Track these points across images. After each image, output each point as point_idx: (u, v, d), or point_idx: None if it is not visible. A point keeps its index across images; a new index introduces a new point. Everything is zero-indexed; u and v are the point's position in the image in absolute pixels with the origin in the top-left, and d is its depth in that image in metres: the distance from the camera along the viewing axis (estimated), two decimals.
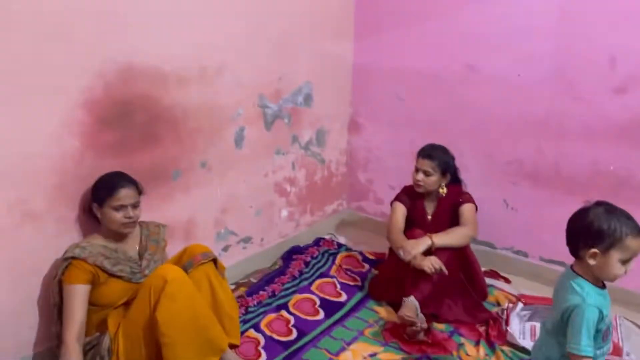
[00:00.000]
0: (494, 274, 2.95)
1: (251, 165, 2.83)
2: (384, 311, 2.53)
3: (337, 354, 2.18)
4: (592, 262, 1.46)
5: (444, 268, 2.32)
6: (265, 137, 2.88)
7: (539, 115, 2.76)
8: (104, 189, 1.96)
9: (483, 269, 2.91)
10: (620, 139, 2.56)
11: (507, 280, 2.90)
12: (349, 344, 2.26)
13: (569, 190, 2.74)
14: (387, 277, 2.62)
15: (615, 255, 1.43)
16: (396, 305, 2.42)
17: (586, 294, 1.45)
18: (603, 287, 1.51)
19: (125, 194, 1.96)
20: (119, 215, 1.96)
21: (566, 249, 1.62)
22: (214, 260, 2.10)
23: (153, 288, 1.83)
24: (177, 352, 1.80)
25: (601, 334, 1.48)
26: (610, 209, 1.47)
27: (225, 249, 2.78)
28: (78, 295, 1.88)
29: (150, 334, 1.82)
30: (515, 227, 2.99)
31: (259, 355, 2.12)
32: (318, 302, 2.57)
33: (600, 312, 1.44)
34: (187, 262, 2.05)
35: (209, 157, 2.59)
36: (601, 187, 2.64)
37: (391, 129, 3.32)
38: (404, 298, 2.34)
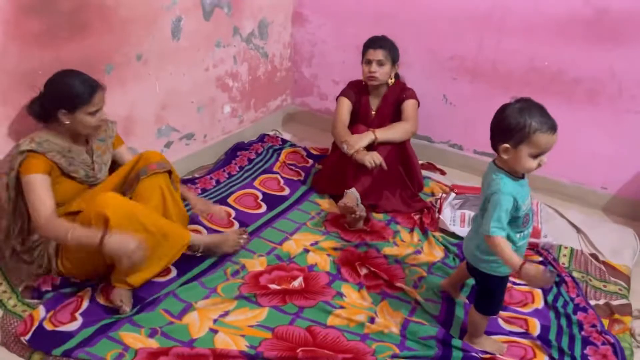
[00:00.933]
0: (431, 167, 3.10)
1: (190, 59, 2.72)
2: (326, 203, 2.64)
3: (280, 244, 2.29)
4: (505, 156, 1.54)
5: (383, 163, 2.42)
6: (204, 27, 2.74)
7: (483, 10, 2.75)
8: (78, 97, 1.85)
9: (421, 161, 3.05)
10: (557, 35, 2.61)
11: (442, 172, 3.06)
12: (291, 234, 2.37)
13: (505, 86, 2.83)
14: (330, 171, 2.70)
15: (524, 150, 1.50)
16: (338, 198, 2.51)
17: (503, 184, 1.55)
18: (522, 177, 1.61)
19: (99, 99, 1.90)
20: (94, 120, 1.90)
21: None
22: (169, 172, 2.08)
23: (95, 222, 1.80)
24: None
25: (521, 220, 1.60)
26: (525, 106, 1.51)
27: (168, 145, 2.75)
28: (43, 183, 1.84)
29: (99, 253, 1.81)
30: (453, 121, 3.09)
31: (199, 247, 2.20)
32: (260, 196, 2.64)
33: (515, 200, 1.54)
34: (141, 168, 2.02)
35: (145, 50, 2.46)
36: (535, 82, 2.74)
37: (336, 21, 3.24)
38: (345, 190, 2.44)
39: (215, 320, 1.85)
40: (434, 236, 2.42)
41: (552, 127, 1.50)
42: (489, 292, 1.75)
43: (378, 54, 2.52)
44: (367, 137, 2.48)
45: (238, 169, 2.88)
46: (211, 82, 2.91)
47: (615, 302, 2.07)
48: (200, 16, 2.70)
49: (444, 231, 2.46)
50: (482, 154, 3.02)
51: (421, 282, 2.12)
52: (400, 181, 2.65)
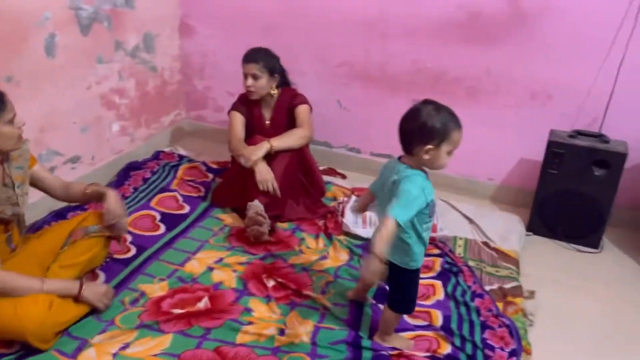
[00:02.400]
0: (332, 172, 3.14)
1: (69, 77, 2.55)
2: (229, 218, 2.58)
3: (182, 265, 2.20)
4: (426, 157, 1.58)
5: (277, 191, 2.42)
6: (82, 43, 2.58)
7: (369, 17, 2.85)
8: None
9: (321, 167, 3.09)
10: (436, 38, 2.76)
11: (343, 176, 3.11)
12: (194, 253, 2.28)
13: (394, 89, 2.95)
14: (231, 185, 2.65)
15: (444, 149, 1.57)
16: (241, 211, 2.48)
17: (415, 176, 1.59)
18: (425, 173, 1.66)
19: (10, 102, 1.70)
20: (15, 129, 1.71)
21: (393, 143, 1.72)
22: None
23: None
24: None
25: (428, 211, 1.66)
26: (438, 107, 1.58)
27: (51, 170, 2.54)
28: None
29: None
30: (349, 126, 3.16)
31: (96, 276, 2.05)
32: (158, 217, 2.52)
33: (424, 192, 1.58)
34: (90, 226, 1.97)
35: (15, 71, 2.26)
36: (421, 83, 2.88)
37: (225, 32, 3.19)
38: (248, 203, 2.40)
39: (114, 355, 1.73)
40: (338, 240, 2.44)
41: (460, 123, 1.58)
42: (402, 287, 1.78)
43: (251, 68, 2.51)
44: (263, 148, 2.46)
45: (132, 190, 2.73)
46: (95, 101, 2.74)
47: (507, 286, 2.21)
48: (77, 32, 2.53)
49: (348, 234, 2.50)
50: (379, 156, 3.11)
51: (329, 288, 2.13)
52: (303, 189, 2.66)
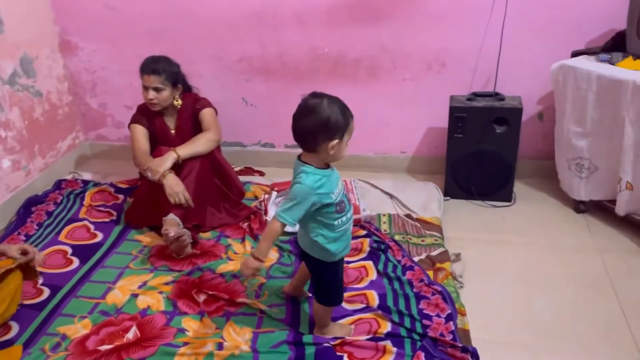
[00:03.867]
0: (249, 171, 3.08)
1: None
2: (147, 238, 2.46)
3: (102, 297, 2.06)
4: (332, 152, 1.55)
5: (189, 201, 2.32)
6: None
7: (256, 10, 2.79)
8: None
9: (238, 167, 3.02)
10: (327, 22, 2.76)
11: (261, 174, 3.06)
12: (114, 282, 2.15)
13: (297, 78, 2.92)
14: (143, 202, 2.52)
15: (345, 139, 1.56)
16: (158, 229, 2.36)
17: (305, 176, 1.55)
18: (328, 167, 1.64)
19: None
20: None
21: None
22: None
23: None
24: None
25: (333, 208, 1.64)
26: (330, 99, 1.54)
27: None
28: None
29: None
30: (259, 122, 3.11)
31: (9, 329, 1.88)
32: (70, 250, 2.35)
33: (317, 193, 1.55)
34: None
35: None
36: (322, 69, 2.87)
37: (111, 44, 3.01)
38: (163, 218, 2.30)
39: None
40: None
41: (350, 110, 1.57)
42: (325, 281, 1.76)
43: (153, 81, 2.40)
44: (169, 158, 2.35)
45: (37, 227, 2.52)
46: None
47: (434, 253, 2.27)
48: None
49: None
50: (294, 147, 3.08)
51: (262, 290, 2.09)
52: (220, 193, 2.58)
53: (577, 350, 1.80)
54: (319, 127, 1.51)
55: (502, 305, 2.01)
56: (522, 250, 2.32)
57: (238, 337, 1.86)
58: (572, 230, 2.44)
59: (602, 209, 2.48)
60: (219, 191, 2.57)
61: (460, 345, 1.76)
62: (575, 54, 2.43)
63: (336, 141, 1.53)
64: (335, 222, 1.64)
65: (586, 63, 2.29)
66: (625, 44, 2.29)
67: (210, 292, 2.06)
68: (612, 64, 2.23)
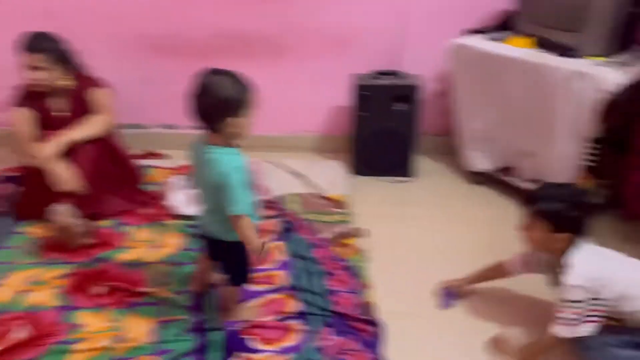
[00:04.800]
0: (151, 154, 2.94)
1: None
2: (38, 230, 2.26)
3: None
4: (236, 130, 1.50)
5: (82, 188, 2.16)
6: None
7: None
8: None
9: (138, 151, 2.87)
10: None
11: (163, 157, 2.93)
12: (2, 279, 1.97)
13: (199, 56, 2.80)
14: (32, 191, 2.31)
15: (249, 116, 1.51)
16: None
17: (235, 158, 1.52)
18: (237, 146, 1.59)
19: None
20: None
21: None
22: None
23: None
24: None
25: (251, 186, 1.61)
26: (231, 75, 1.49)
27: None
28: None
29: None
30: (160, 102, 2.95)
31: None
32: None
33: (244, 168, 1.53)
34: None
35: None
36: (225, 48, 2.77)
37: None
38: (53, 207, 2.13)
39: None
40: (169, 225, 2.30)
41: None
42: (242, 261, 1.71)
43: (37, 60, 2.19)
44: (54, 143, 2.17)
45: None
46: None
47: (341, 230, 2.29)
48: None
49: (179, 216, 2.37)
50: (199, 128, 2.97)
51: (167, 278, 2.01)
52: (117, 179, 2.43)
53: (477, 316, 1.89)
54: (220, 104, 1.46)
55: (407, 277, 2.08)
56: (425, 223, 2.41)
57: (140, 328, 1.77)
58: (472, 201, 2.57)
59: (498, 180, 2.62)
60: (116, 177, 2.42)
61: (366, 318, 1.80)
62: (469, 33, 2.53)
63: (239, 118, 1.48)
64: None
65: (479, 41, 2.39)
66: (514, 23, 2.41)
67: (109, 283, 1.95)
68: (502, 42, 2.35)
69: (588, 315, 1.54)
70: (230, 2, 2.67)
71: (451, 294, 1.92)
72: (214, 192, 1.56)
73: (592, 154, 2.14)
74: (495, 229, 2.35)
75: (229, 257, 1.74)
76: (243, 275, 1.76)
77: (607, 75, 2.01)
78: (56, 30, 2.30)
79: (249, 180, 1.58)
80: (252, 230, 1.55)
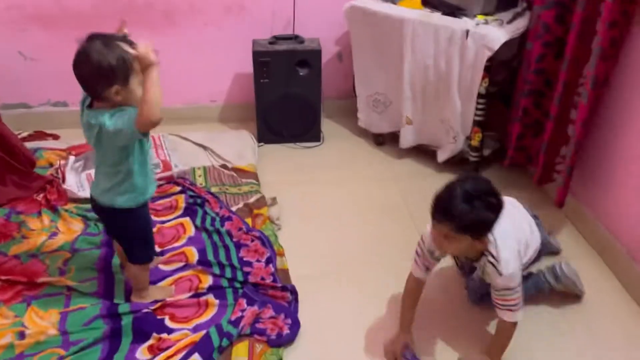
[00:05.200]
0: (40, 135, 2.74)
1: None
2: None
3: None
4: (118, 98, 1.42)
5: None
6: None
7: None
8: None
9: (25, 133, 2.67)
10: None
11: (55, 137, 2.74)
12: None
13: (82, 26, 2.52)
14: None
15: (133, 82, 1.42)
16: None
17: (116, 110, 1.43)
18: None
19: None
20: None
21: None
22: None
23: None
24: None
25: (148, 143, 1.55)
26: (106, 40, 1.39)
27: None
28: None
29: None
30: (44, 78, 2.74)
31: None
32: None
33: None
34: None
35: None
36: (110, 15, 2.59)
37: None
38: None
39: None
40: (66, 210, 2.17)
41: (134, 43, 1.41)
42: (133, 234, 1.66)
43: None
44: None
45: None
46: None
47: (251, 200, 2.28)
48: None
49: (76, 200, 2.24)
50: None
51: (68, 265, 1.91)
52: (4, 165, 2.24)
53: (385, 272, 1.98)
54: (94, 73, 1.38)
55: (317, 241, 2.12)
56: (332, 187, 2.46)
57: (43, 321, 1.68)
58: (374, 163, 2.65)
59: (397, 140, 2.72)
60: (2, 162, 2.23)
61: (279, 285, 1.83)
62: None
63: (117, 87, 1.40)
64: (147, 157, 1.57)
65: (373, 3, 2.41)
66: None
67: (4, 278, 1.82)
68: (395, 3, 2.39)
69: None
70: None
71: (411, 354, 1.64)
72: (98, 150, 1.52)
73: (480, 109, 2.27)
74: (393, 187, 2.45)
75: (121, 228, 1.68)
76: (142, 249, 1.70)
77: (492, 33, 2.12)
78: None
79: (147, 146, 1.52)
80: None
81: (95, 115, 1.44)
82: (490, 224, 1.45)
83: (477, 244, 1.50)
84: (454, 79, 2.25)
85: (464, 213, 1.40)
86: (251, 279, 1.86)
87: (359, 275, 1.97)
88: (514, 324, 1.54)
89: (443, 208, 1.43)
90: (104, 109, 1.44)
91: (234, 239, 2.06)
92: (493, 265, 1.50)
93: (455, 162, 2.49)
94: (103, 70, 1.37)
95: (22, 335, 1.63)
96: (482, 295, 1.75)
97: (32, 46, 2.64)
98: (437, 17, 2.25)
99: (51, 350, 1.59)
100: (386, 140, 2.75)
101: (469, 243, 1.47)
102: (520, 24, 2.21)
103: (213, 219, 2.16)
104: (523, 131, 2.25)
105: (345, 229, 2.19)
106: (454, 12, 2.24)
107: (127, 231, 1.68)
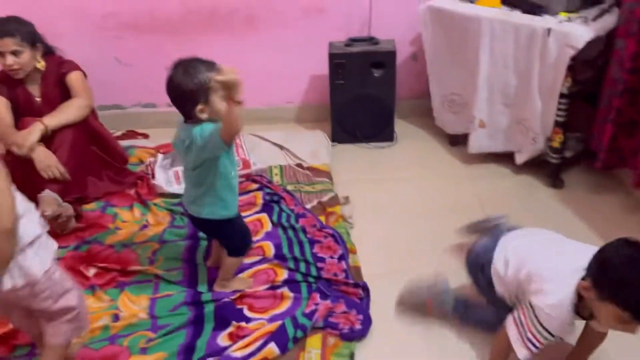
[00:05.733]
0: (132, 134, 2.95)
1: None
2: None
3: None
4: (204, 115, 1.56)
5: (65, 174, 2.17)
6: None
7: None
8: None
9: (119, 132, 2.88)
10: None
11: (145, 136, 2.94)
12: None
13: (171, 33, 2.78)
14: (19, 180, 2.27)
15: (214, 99, 1.55)
16: (35, 206, 2.20)
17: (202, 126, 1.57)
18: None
19: None
20: None
21: None
22: None
23: None
24: None
25: (233, 157, 1.68)
26: (185, 65, 1.54)
27: None
28: None
29: None
30: (136, 81, 2.95)
31: None
32: None
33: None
34: None
35: None
36: (196, 23, 2.76)
37: None
38: (38, 195, 2.15)
39: None
40: (155, 204, 2.34)
41: (212, 64, 1.55)
42: (233, 235, 1.80)
43: (8, 44, 2.15)
44: (35, 130, 2.17)
45: None
46: None
47: (325, 198, 2.34)
48: None
49: (164, 195, 2.40)
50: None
51: (156, 256, 2.05)
52: (100, 161, 2.44)
53: (457, 271, 1.97)
54: (179, 97, 1.57)
55: (389, 240, 2.15)
56: (405, 186, 2.47)
57: (134, 305, 1.83)
58: (448, 163, 2.63)
59: None
60: (99, 159, 2.43)
61: (351, 281, 1.88)
62: None
63: (201, 106, 1.55)
64: (232, 173, 1.68)
65: (450, 3, 2.40)
66: None
67: (100, 265, 1.99)
68: (472, 2, 2.37)
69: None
70: None
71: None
72: (187, 163, 1.66)
73: (562, 109, 2.19)
74: (469, 187, 2.42)
75: (218, 233, 1.82)
76: (239, 248, 1.84)
77: (576, 31, 2.05)
78: (17, 11, 2.27)
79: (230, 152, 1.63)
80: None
81: (187, 129, 1.60)
82: None
83: None
84: (534, 78, 2.19)
85: None
86: (324, 274, 1.92)
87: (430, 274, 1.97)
88: None
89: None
90: (194, 124, 1.58)
91: (308, 235, 2.12)
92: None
93: (535, 163, 2.42)
94: (186, 94, 1.54)
95: (116, 318, 1.78)
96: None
97: (126, 52, 2.86)
98: (516, 16, 2.20)
99: (141, 333, 1.72)
100: (462, 141, 2.72)
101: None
102: (607, 21, 2.12)
103: (288, 216, 2.24)
104: (616, 132, 2.14)
105: (418, 228, 2.20)
106: (535, 10, 2.18)
107: (219, 234, 1.82)
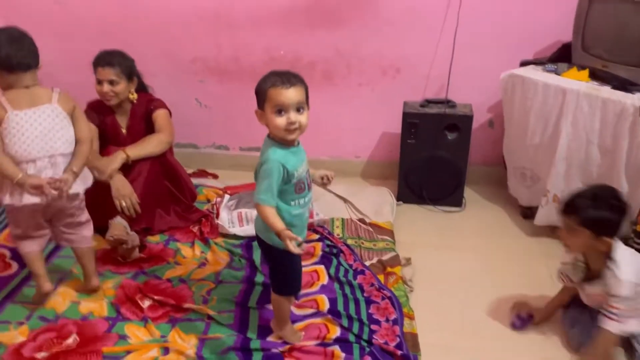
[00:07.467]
0: (202, 173, 3.03)
1: None
2: (95, 241, 2.35)
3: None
4: (262, 122, 1.59)
5: (137, 207, 2.27)
6: None
7: (211, 10, 2.75)
8: None
9: (191, 170, 2.97)
10: (283, 24, 2.75)
11: (214, 176, 3.01)
12: (55, 287, 2.05)
13: (252, 80, 2.84)
14: (89, 202, 2.42)
15: (267, 109, 1.55)
16: (104, 230, 2.28)
17: (271, 152, 1.57)
18: (293, 145, 1.62)
19: None
20: None
21: (259, 136, 1.66)
22: None
23: None
24: None
25: (293, 187, 1.62)
26: (267, 74, 1.60)
27: None
28: None
29: None
30: (213, 123, 3.06)
31: None
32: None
33: (284, 166, 1.55)
34: None
35: None
36: None
37: (58, 39, 2.90)
38: (109, 220, 2.23)
39: None
40: (216, 243, 2.36)
41: (285, 82, 1.56)
42: (278, 268, 1.75)
43: (108, 73, 2.32)
44: (118, 158, 2.28)
45: None
46: None
47: (385, 257, 2.28)
48: None
49: (225, 235, 2.42)
50: (248, 150, 3.06)
51: (211, 295, 2.05)
52: (171, 196, 2.52)
53: (523, 353, 1.83)
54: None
55: (450, 309, 2.04)
56: (470, 254, 2.37)
57: (184, 342, 1.81)
58: (519, 235, 2.50)
59: None
60: (170, 194, 2.51)
61: (400, 352, 1.76)
62: (523, 64, 2.49)
63: (259, 111, 1.59)
64: (292, 204, 1.63)
65: (533, 72, 2.35)
66: (570, 55, 2.37)
67: (155, 298, 2.01)
68: (558, 74, 2.30)
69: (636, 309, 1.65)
70: (284, 29, 2.76)
71: (525, 319, 1.95)
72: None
73: None
74: (540, 264, 2.28)
75: (270, 260, 1.77)
76: (283, 283, 1.76)
77: None
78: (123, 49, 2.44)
79: (293, 179, 1.60)
80: (272, 217, 1.54)
81: (264, 146, 1.62)
82: (611, 224, 1.64)
83: (598, 244, 1.67)
84: (621, 157, 2.07)
85: (586, 207, 1.65)
86: (377, 339, 1.83)
87: (489, 353, 1.84)
88: (610, 334, 1.66)
89: (569, 202, 1.70)
90: (270, 144, 1.60)
91: (365, 294, 2.05)
92: (612, 268, 1.65)
93: None
94: (257, 96, 1.60)
95: (166, 351, 1.77)
96: (581, 344, 1.80)
97: (207, 95, 2.99)
98: (606, 91, 2.11)
99: None
100: (535, 213, 2.59)
101: (590, 241, 1.66)
102: None
103: (346, 271, 2.18)
104: None
105: (481, 301, 2.07)
106: (626, 86, 2.09)
107: (272, 262, 1.76)
